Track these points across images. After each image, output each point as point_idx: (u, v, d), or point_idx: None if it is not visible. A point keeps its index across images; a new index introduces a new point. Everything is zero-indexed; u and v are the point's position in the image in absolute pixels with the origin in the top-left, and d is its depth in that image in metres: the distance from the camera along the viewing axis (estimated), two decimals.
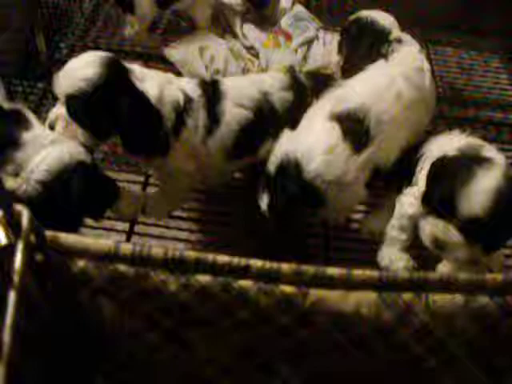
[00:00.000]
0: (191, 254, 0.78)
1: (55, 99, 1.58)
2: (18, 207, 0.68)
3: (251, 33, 1.82)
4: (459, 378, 0.88)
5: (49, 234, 0.76)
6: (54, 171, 1.10)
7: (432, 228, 1.14)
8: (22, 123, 1.15)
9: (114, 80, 1.17)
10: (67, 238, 0.77)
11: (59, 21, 1.87)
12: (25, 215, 0.68)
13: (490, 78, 2.04)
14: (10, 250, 0.67)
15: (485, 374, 0.90)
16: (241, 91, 1.31)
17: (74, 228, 1.14)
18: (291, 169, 1.21)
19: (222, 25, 1.88)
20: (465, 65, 2.08)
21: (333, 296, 0.79)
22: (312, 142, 1.22)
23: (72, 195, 1.10)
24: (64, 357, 0.86)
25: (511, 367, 0.90)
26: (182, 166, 1.30)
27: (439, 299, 0.80)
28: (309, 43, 1.84)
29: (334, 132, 1.22)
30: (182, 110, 1.24)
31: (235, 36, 1.84)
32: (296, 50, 1.79)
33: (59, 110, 1.21)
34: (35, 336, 0.75)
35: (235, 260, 0.78)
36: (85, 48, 1.81)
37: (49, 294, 0.78)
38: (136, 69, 1.22)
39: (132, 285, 0.79)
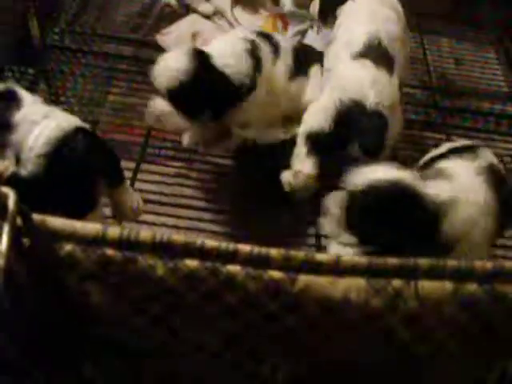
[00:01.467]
0: (179, 238, 0.78)
1: (47, 84, 1.58)
2: (4, 189, 0.67)
3: (244, 16, 1.80)
4: (448, 365, 0.88)
5: (36, 217, 0.75)
6: (55, 141, 1.09)
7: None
8: (14, 103, 1.14)
9: (202, 67, 1.39)
10: (54, 222, 0.76)
11: (50, 6, 1.85)
12: (11, 197, 0.67)
13: (485, 69, 2.04)
14: None
15: (474, 362, 0.90)
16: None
17: (86, 203, 1.13)
18: (354, 110, 1.36)
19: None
20: (459, 55, 2.08)
21: (321, 282, 0.78)
22: (357, 83, 1.37)
23: (78, 162, 1.09)
24: (51, 343, 0.86)
25: (500, 354, 0.91)
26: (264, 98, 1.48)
27: (428, 286, 0.80)
28: (303, 34, 1.84)
29: (367, 65, 1.40)
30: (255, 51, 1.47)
31: (228, 19, 1.83)
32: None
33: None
34: (22, 320, 0.75)
35: (223, 245, 0.77)
36: (76, 33, 1.80)
37: (36, 278, 0.77)
38: (213, 50, 1.44)
39: (120, 269, 0.79)
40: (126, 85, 1.78)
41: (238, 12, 1.82)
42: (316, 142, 1.41)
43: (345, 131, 1.38)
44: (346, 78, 1.41)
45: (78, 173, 1.12)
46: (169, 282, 0.79)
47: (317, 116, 1.42)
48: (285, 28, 1.80)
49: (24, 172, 1.08)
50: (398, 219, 1.07)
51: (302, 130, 1.44)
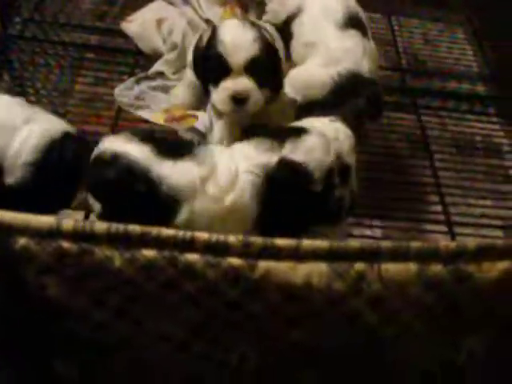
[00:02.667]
0: (136, 228, 0.76)
1: (11, 76, 1.54)
2: None
3: (206, 5, 1.77)
4: (415, 346, 0.87)
5: None
6: (43, 148, 1.06)
7: None
8: None
9: (265, 37, 1.25)
10: (7, 215, 0.74)
11: None
12: None
13: (454, 50, 2.03)
14: None
15: (441, 343, 0.90)
16: None
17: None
18: (353, 82, 1.38)
19: None
20: (429, 37, 2.06)
21: (282, 267, 0.77)
22: (352, 54, 1.39)
23: (68, 165, 1.06)
24: (17, 339, 0.84)
25: (466, 334, 0.90)
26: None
27: (392, 268, 0.79)
28: None
29: (354, 35, 1.42)
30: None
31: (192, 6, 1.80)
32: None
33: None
34: None
35: (181, 233, 0.76)
36: (40, 23, 1.76)
37: None
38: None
39: (76, 262, 0.77)
40: (93, 74, 1.74)
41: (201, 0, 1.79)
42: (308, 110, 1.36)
43: (342, 103, 1.37)
44: (339, 51, 1.40)
45: (67, 179, 1.09)
46: (127, 273, 0.77)
47: (312, 90, 1.40)
48: (245, 11, 1.77)
49: (10, 180, 1.06)
50: (129, 194, 1.01)
51: (294, 96, 1.41)
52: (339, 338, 0.84)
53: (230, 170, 1.07)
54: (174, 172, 1.02)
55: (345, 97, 1.38)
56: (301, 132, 1.13)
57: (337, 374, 0.89)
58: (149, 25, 1.70)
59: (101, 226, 0.75)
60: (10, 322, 0.84)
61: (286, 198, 1.07)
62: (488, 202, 1.64)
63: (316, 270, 0.77)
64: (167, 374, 0.90)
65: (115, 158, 1.01)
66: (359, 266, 0.78)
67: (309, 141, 1.11)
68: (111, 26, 1.84)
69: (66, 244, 0.76)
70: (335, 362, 0.87)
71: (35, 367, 0.91)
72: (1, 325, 0.84)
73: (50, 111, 1.21)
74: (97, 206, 1.04)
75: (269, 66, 1.24)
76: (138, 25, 1.71)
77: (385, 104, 1.74)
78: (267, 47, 1.23)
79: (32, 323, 0.85)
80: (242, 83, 1.20)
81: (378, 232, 1.53)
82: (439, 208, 1.55)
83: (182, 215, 1.02)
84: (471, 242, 0.80)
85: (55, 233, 0.75)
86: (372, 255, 0.78)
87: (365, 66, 1.40)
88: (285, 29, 1.52)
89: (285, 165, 1.09)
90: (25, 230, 0.75)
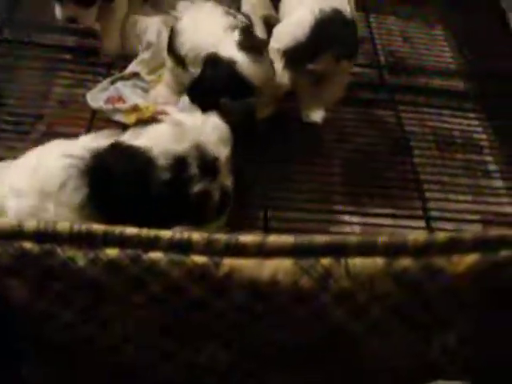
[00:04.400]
0: (98, 228, 0.74)
1: None
2: None
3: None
4: (386, 341, 0.86)
5: None
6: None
7: None
8: None
9: None
10: None
11: None
12: None
13: (433, 47, 2.02)
14: None
15: (413, 337, 0.89)
16: None
17: None
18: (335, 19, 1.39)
19: None
20: (407, 33, 2.06)
21: (247, 265, 0.76)
22: None
23: None
24: None
25: (438, 328, 0.89)
26: None
27: (359, 263, 0.78)
28: None
29: None
30: None
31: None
32: None
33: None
34: None
35: (144, 231, 0.74)
36: (15, 24, 1.74)
37: None
38: None
39: (38, 263, 0.75)
40: (70, 75, 1.72)
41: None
42: (293, 57, 1.41)
43: (323, 40, 1.39)
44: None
45: None
46: (91, 273, 0.76)
47: (293, 31, 1.40)
48: None
49: None
50: None
51: (278, 46, 1.42)
52: (308, 334, 0.83)
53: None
54: None
55: (327, 35, 1.40)
56: (154, 121, 1.10)
57: (307, 371, 0.87)
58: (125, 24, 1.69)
59: (63, 226, 0.74)
60: None
61: (122, 184, 1.01)
62: (468, 197, 1.63)
63: (282, 267, 0.76)
64: (135, 375, 0.88)
65: None
66: (326, 261, 0.77)
67: (156, 128, 1.08)
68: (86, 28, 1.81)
69: (28, 244, 0.74)
70: (305, 359, 0.85)
71: (2, 369, 0.89)
72: None
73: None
74: None
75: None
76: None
77: (362, 101, 1.75)
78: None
79: None
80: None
81: (356, 229, 1.52)
82: (418, 204, 1.55)
83: None
84: (440, 235, 0.79)
85: (17, 233, 0.74)
86: (338, 250, 0.76)
87: (346, 7, 1.44)
88: None
89: (117, 147, 1.03)
90: None
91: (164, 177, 1.03)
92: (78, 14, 1.57)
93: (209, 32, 1.34)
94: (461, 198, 1.62)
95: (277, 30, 1.47)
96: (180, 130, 1.08)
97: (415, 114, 1.78)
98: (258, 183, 1.48)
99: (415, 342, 0.88)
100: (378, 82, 1.81)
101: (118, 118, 1.49)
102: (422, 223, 1.50)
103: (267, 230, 1.38)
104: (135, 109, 1.46)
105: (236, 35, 1.31)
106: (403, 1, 2.12)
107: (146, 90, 1.60)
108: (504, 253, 0.81)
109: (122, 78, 1.62)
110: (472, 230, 1.51)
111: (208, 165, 1.08)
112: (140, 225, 0.89)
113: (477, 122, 1.84)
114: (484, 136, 1.81)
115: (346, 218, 1.52)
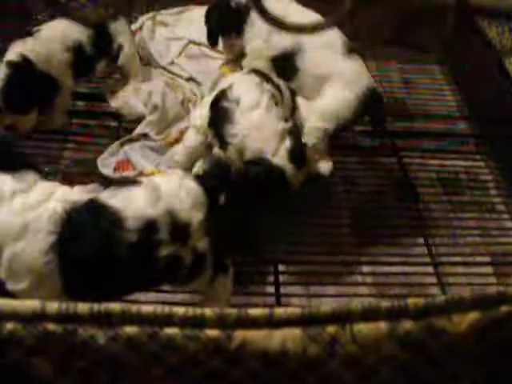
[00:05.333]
0: (116, 307, 0.81)
1: None
2: None
3: (190, 65, 1.87)
4: None
5: None
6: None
7: None
8: None
9: None
10: None
11: None
12: None
13: (433, 90, 2.11)
14: None
15: None
16: None
17: None
18: None
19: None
20: (407, 77, 2.15)
21: (258, 336, 0.82)
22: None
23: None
24: None
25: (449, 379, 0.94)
26: None
27: (364, 328, 0.84)
28: None
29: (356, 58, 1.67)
30: None
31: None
32: None
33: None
34: None
35: (158, 309, 0.81)
36: None
37: None
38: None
39: (61, 342, 0.82)
40: (80, 139, 1.82)
41: (182, 61, 1.91)
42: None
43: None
44: (354, 74, 1.63)
45: None
46: (111, 350, 0.82)
47: (341, 112, 1.63)
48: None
49: None
50: None
51: (326, 126, 1.62)
52: None
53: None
54: None
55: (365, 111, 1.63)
56: (133, 183, 1.17)
57: None
58: (127, 93, 1.80)
59: (83, 307, 0.81)
60: None
61: (90, 240, 1.08)
62: (476, 239, 1.69)
63: (290, 336, 0.82)
64: None
65: None
66: (331, 328, 0.83)
67: (133, 190, 1.14)
68: (94, 90, 1.92)
69: (51, 326, 0.81)
70: None
71: None
72: None
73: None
74: None
75: None
76: (117, 97, 1.81)
77: (364, 148, 1.83)
78: None
79: None
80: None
81: (368, 279, 1.58)
82: (426, 250, 1.61)
83: None
84: (439, 297, 0.85)
85: (40, 316, 0.81)
86: (343, 317, 0.83)
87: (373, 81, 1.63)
88: (284, 65, 1.70)
89: (92, 204, 1.11)
90: (12, 316, 0.80)
91: (130, 239, 1.09)
92: (16, 121, 1.66)
93: (263, 137, 1.43)
94: (469, 239, 1.68)
95: (320, 110, 1.63)
96: (154, 194, 1.14)
97: (419, 159, 1.86)
98: (268, 237, 1.55)
99: None
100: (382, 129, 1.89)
101: None
102: (430, 269, 1.56)
103: (278, 285, 1.45)
104: (141, 176, 1.54)
105: (288, 144, 1.42)
106: (403, 45, 2.21)
107: (155, 149, 1.68)
108: (504, 308, 0.87)
109: (131, 140, 1.72)
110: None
111: (178, 230, 1.13)
112: (106, 286, 1.10)
113: (482, 164, 1.92)
114: (490, 177, 1.88)
115: (357, 268, 1.59)
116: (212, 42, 1.88)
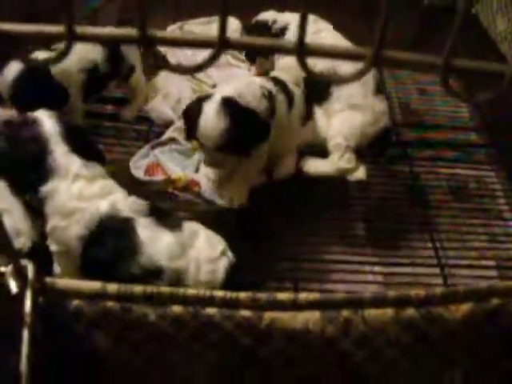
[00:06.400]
0: (166, 289, 1.01)
1: None
2: (25, 262, 0.90)
3: (216, 72, 2.07)
4: (398, 380, 1.11)
5: (48, 280, 0.98)
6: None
7: None
8: None
9: (238, 115, 1.62)
10: (63, 282, 1.00)
11: None
12: (30, 268, 0.90)
13: (447, 100, 2.29)
14: (19, 296, 0.90)
15: (424, 376, 1.13)
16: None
17: None
18: None
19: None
20: (422, 87, 2.34)
21: (284, 317, 1.01)
22: None
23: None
24: None
25: (446, 367, 1.13)
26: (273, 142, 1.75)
27: (373, 313, 1.03)
28: None
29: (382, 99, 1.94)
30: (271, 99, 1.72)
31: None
32: None
33: None
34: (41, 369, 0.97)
35: (201, 292, 1.01)
36: None
37: (50, 330, 1.00)
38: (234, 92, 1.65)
39: (118, 318, 1.02)
40: (112, 142, 2.02)
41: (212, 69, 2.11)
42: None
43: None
44: (380, 113, 1.89)
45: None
46: (160, 326, 1.02)
47: (363, 140, 1.89)
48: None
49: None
50: None
51: (348, 143, 1.85)
52: (335, 378, 1.08)
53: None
54: None
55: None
56: (172, 224, 1.38)
57: None
58: (156, 99, 2.00)
59: (138, 288, 1.00)
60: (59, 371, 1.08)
61: (105, 252, 1.33)
62: (483, 244, 1.88)
63: (312, 318, 1.02)
64: None
65: None
66: (346, 312, 1.02)
67: (166, 234, 1.36)
68: (125, 95, 2.12)
69: (110, 303, 1.01)
70: None
71: None
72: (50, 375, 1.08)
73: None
74: None
75: (236, 143, 1.59)
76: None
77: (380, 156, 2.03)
78: (236, 130, 1.57)
79: (79, 372, 1.09)
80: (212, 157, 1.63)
81: (379, 278, 1.77)
82: (434, 252, 1.81)
83: None
84: (438, 290, 1.05)
85: (101, 295, 1.01)
86: (356, 303, 1.02)
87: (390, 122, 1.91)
88: (317, 86, 1.91)
89: (128, 224, 1.34)
90: (78, 294, 1.00)
91: (135, 271, 1.32)
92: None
93: None
94: (476, 244, 1.87)
95: (342, 130, 1.86)
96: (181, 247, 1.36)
97: (430, 168, 2.05)
98: (286, 238, 1.75)
99: (426, 381, 1.13)
100: (394, 137, 2.09)
101: (156, 187, 1.79)
102: (437, 270, 1.75)
103: (296, 282, 1.65)
104: (169, 180, 1.74)
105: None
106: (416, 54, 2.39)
107: (183, 153, 1.89)
108: (495, 301, 1.06)
109: (160, 144, 1.92)
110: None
111: None
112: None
113: (492, 173, 2.10)
114: (499, 186, 2.06)
115: (369, 267, 1.78)
116: (250, 58, 2.10)
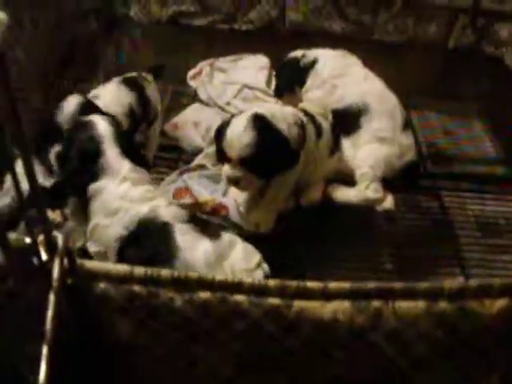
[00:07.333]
0: (194, 274, 0.99)
1: None
2: (55, 233, 0.90)
3: (244, 106, 2.11)
4: (430, 378, 1.06)
5: (78, 261, 0.97)
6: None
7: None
8: None
9: (268, 133, 1.61)
10: (91, 264, 0.99)
11: None
12: (60, 239, 0.90)
13: (472, 137, 2.31)
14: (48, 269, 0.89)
15: (457, 379, 1.09)
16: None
17: None
18: None
19: None
20: (447, 127, 2.36)
21: (313, 305, 0.99)
22: None
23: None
24: (85, 370, 1.06)
25: (481, 371, 1.09)
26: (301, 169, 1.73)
27: (404, 305, 1.00)
28: None
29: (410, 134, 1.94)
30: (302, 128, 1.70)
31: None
32: None
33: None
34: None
35: (230, 278, 0.99)
36: None
37: (75, 311, 0.99)
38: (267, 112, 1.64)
39: (145, 303, 1.00)
40: None
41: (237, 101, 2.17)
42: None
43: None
44: (407, 148, 1.88)
45: None
46: (186, 312, 1.00)
47: (390, 172, 1.88)
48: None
49: None
50: None
51: (377, 173, 1.84)
52: (363, 370, 1.05)
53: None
54: None
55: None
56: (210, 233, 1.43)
57: None
58: (187, 127, 2.04)
59: (166, 272, 0.99)
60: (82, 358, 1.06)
61: (139, 253, 1.37)
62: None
63: (341, 307, 0.99)
64: None
65: None
66: (376, 303, 0.99)
67: (203, 241, 1.40)
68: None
69: (137, 287, 0.99)
70: None
71: None
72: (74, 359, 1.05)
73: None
74: None
75: (261, 160, 1.56)
76: (179, 128, 2.05)
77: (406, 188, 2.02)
78: (263, 145, 1.55)
79: (100, 356, 1.07)
80: (234, 172, 1.60)
81: None
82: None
83: None
84: (472, 282, 1.02)
85: (129, 278, 0.99)
86: (386, 293, 0.99)
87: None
88: (346, 118, 1.92)
89: (164, 228, 1.38)
90: (105, 276, 0.99)
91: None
92: None
93: None
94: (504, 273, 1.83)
95: (369, 161, 1.86)
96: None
97: (459, 203, 2.04)
98: (309, 265, 1.73)
99: (463, 382, 1.08)
100: (422, 170, 2.08)
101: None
102: None
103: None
104: (196, 204, 1.75)
105: None
106: (442, 96, 2.43)
107: (211, 178, 1.90)
108: None
109: (189, 170, 1.93)
110: None
111: None
112: None
113: None
114: None
115: None
116: (278, 94, 2.13)
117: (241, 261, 1.40)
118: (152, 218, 1.39)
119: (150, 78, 2.05)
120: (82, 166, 1.45)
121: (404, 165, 1.86)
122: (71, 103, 1.71)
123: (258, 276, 1.38)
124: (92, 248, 1.45)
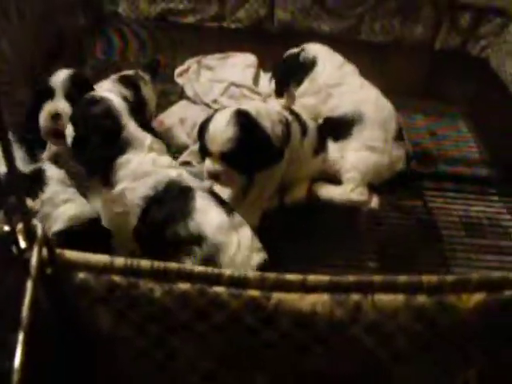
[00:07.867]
0: (173, 265, 1.00)
1: None
2: (35, 221, 0.90)
3: (230, 103, 2.11)
4: (408, 371, 1.07)
5: (57, 250, 0.97)
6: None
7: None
8: None
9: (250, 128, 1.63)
10: (71, 253, 0.99)
11: None
12: (39, 227, 0.90)
13: (457, 139, 2.33)
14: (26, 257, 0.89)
15: (436, 373, 1.09)
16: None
17: None
18: None
19: None
20: (433, 129, 2.38)
21: (292, 298, 0.99)
22: None
23: None
24: (65, 363, 1.06)
25: (460, 365, 1.09)
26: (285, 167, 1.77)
27: (384, 298, 1.01)
28: None
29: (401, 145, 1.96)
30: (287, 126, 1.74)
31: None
32: None
33: None
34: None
35: (209, 269, 0.99)
36: None
37: (54, 301, 0.98)
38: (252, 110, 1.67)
39: (125, 293, 1.00)
40: None
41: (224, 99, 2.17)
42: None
43: None
44: (397, 158, 1.94)
45: None
46: (165, 303, 1.00)
47: (378, 177, 1.95)
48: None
49: None
50: None
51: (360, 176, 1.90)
52: (343, 364, 1.05)
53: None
54: None
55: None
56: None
57: None
58: (173, 124, 2.04)
59: (145, 263, 0.99)
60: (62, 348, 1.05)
61: (163, 212, 1.44)
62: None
63: (320, 300, 0.99)
64: None
65: None
66: (356, 296, 1.00)
67: (216, 210, 1.46)
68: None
69: (117, 278, 0.99)
70: None
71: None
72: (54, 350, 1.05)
73: None
74: None
75: (242, 155, 1.60)
76: (165, 125, 2.05)
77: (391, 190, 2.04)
78: (244, 140, 1.58)
79: (80, 348, 1.06)
80: (214, 167, 1.64)
81: None
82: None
83: None
84: (450, 276, 1.02)
85: (109, 268, 0.99)
86: (366, 287, 1.00)
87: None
88: (338, 126, 1.95)
89: (189, 193, 1.46)
90: (85, 266, 0.99)
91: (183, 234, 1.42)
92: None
93: None
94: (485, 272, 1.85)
95: (360, 165, 1.90)
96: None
97: (443, 204, 2.05)
98: (293, 264, 1.73)
99: (438, 378, 1.09)
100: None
101: None
102: None
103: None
104: None
105: None
106: (428, 98, 2.45)
107: (195, 175, 1.89)
108: (507, 293, 1.03)
109: None
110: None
111: None
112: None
113: (504, 210, 2.09)
114: (508, 216, 2.05)
115: None
116: (277, 93, 2.11)
117: (248, 239, 1.45)
118: (179, 181, 1.48)
119: (146, 77, 2.06)
120: (106, 142, 1.48)
121: (393, 175, 1.91)
122: (64, 71, 1.75)
123: (261, 258, 1.45)
124: (116, 208, 1.50)
